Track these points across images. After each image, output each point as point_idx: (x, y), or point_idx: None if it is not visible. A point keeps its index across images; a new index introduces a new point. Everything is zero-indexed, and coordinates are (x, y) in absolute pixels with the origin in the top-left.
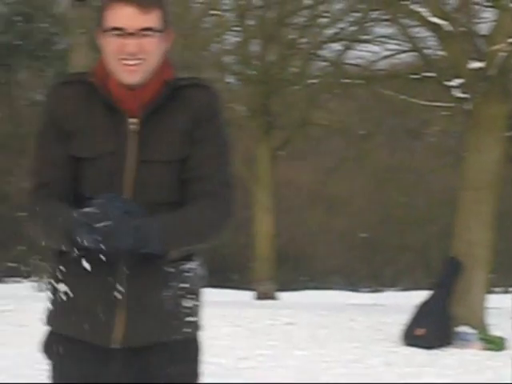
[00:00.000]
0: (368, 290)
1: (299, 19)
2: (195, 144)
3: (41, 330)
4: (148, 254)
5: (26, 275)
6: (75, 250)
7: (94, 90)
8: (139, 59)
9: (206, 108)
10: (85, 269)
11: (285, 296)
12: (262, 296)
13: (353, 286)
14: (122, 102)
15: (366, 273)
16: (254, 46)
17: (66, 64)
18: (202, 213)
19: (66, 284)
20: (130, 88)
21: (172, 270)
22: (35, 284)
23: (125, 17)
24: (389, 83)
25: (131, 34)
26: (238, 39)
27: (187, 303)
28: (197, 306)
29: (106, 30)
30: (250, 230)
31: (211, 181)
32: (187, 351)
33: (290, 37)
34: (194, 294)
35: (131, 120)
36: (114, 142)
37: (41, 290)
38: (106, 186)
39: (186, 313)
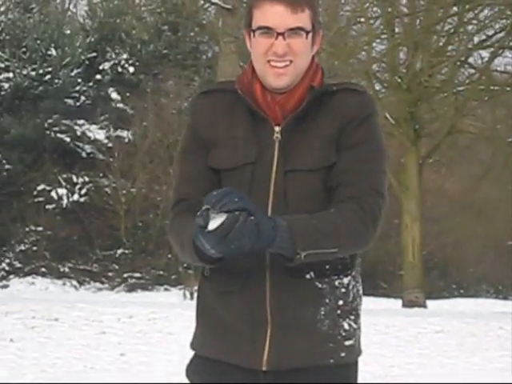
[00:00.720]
0: None
1: (447, 26)
2: (342, 150)
3: (188, 337)
4: (281, 257)
5: (175, 283)
6: (204, 262)
7: (237, 98)
8: (287, 61)
9: (354, 113)
10: (226, 285)
11: (433, 304)
12: (411, 304)
13: (501, 293)
14: (267, 109)
15: None
16: (402, 54)
17: (214, 73)
18: (340, 215)
19: (210, 304)
20: (277, 93)
21: (325, 286)
22: (183, 292)
23: (274, 16)
24: None
25: (280, 34)
26: (385, 47)
27: (344, 324)
28: (355, 327)
29: (253, 30)
30: (398, 238)
31: (357, 186)
32: (342, 377)
33: (438, 44)
34: (352, 313)
35: (276, 128)
36: (256, 152)
37: (188, 298)
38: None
39: (343, 335)
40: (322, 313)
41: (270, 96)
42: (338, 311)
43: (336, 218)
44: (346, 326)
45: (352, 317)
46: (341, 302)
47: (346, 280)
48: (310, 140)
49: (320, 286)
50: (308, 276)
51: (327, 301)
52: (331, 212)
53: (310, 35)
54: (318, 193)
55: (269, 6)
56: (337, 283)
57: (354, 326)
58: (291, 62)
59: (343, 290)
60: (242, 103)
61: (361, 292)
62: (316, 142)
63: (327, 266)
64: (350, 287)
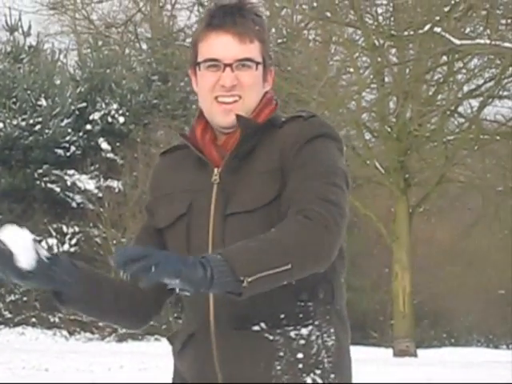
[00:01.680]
0: (508, 347)
1: (436, 76)
2: (288, 177)
3: None
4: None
5: (165, 333)
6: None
7: (189, 150)
8: (236, 96)
9: (295, 138)
10: (179, 342)
11: (424, 353)
12: (401, 353)
13: (492, 342)
14: (206, 152)
15: (505, 329)
16: (392, 103)
17: None
18: (282, 229)
19: (175, 360)
20: (223, 133)
21: (278, 337)
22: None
23: (220, 46)
24: None
25: (227, 66)
26: (375, 96)
27: (307, 379)
28: (319, 383)
29: (199, 64)
30: (389, 288)
31: (303, 200)
32: None
33: (428, 94)
34: (319, 367)
35: (215, 170)
36: (189, 201)
37: None
38: (187, 249)
39: None
40: (278, 367)
41: (209, 136)
42: (300, 365)
43: (278, 233)
44: (309, 381)
45: (318, 371)
46: (300, 355)
47: (305, 331)
48: (250, 178)
49: (272, 337)
50: (256, 327)
51: (281, 354)
52: (272, 230)
53: (261, 68)
54: (259, 234)
55: (214, 36)
56: (293, 334)
57: (319, 381)
58: (240, 97)
59: (302, 341)
60: (190, 152)
61: (330, 344)
62: (256, 179)
63: (282, 316)
64: (313, 338)
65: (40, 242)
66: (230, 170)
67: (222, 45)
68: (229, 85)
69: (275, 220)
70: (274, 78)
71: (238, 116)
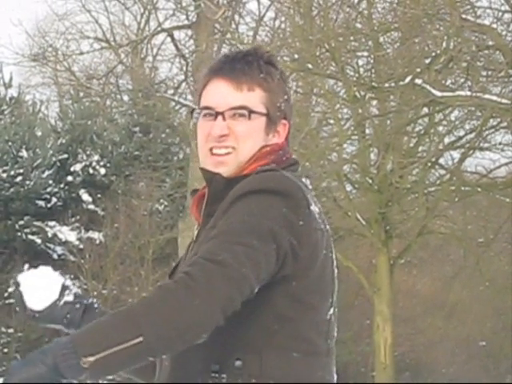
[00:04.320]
0: None
1: (417, 127)
2: None
3: None
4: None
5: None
6: None
7: None
8: (229, 147)
9: (232, 196)
10: None
11: None
12: None
13: None
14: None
15: (487, 381)
16: (373, 155)
17: (185, 174)
18: (142, 299)
19: None
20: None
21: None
22: None
23: (215, 93)
24: (508, 190)
25: (219, 114)
26: (356, 148)
27: None
28: None
29: (198, 114)
30: (371, 339)
31: (188, 263)
32: None
33: (409, 145)
34: None
35: (195, 228)
36: (181, 260)
37: None
38: None
39: None
40: None
41: (199, 194)
42: None
43: (134, 304)
44: None
45: None
46: None
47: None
48: (206, 236)
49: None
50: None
51: None
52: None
53: (261, 118)
54: None
55: (211, 83)
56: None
57: None
58: (234, 148)
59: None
60: None
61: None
62: (205, 239)
63: None
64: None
65: (69, 286)
66: (202, 228)
67: (217, 92)
68: (217, 134)
69: None
70: (286, 133)
71: (202, 170)
